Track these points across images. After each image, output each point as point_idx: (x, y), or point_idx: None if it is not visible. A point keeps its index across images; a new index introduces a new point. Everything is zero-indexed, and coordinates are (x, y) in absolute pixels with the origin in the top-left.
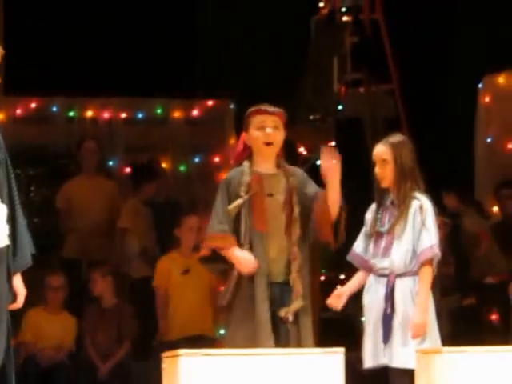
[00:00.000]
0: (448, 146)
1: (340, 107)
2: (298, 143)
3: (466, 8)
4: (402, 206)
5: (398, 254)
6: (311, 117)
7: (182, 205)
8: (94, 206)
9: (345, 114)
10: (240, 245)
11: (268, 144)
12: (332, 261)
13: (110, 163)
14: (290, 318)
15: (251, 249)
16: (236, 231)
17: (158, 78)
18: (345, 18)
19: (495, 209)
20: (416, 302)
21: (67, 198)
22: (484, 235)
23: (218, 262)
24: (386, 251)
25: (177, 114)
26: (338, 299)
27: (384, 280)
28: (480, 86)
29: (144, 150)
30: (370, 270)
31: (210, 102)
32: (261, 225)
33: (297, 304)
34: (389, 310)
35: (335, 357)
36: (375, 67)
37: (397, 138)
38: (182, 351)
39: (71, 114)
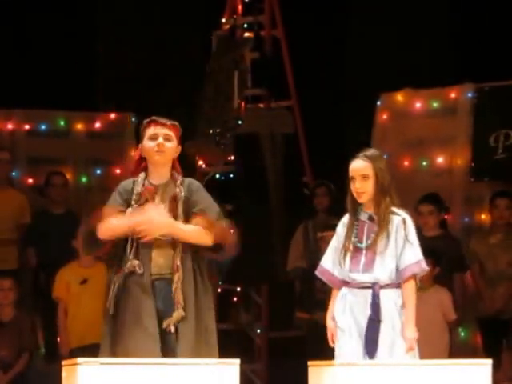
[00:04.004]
0: (345, 161)
1: (239, 122)
2: (197, 157)
3: (364, 25)
4: (382, 222)
5: (383, 270)
6: (211, 131)
7: (82, 216)
8: (4, 216)
9: (244, 129)
10: (125, 252)
11: (159, 152)
12: (229, 273)
13: (13, 174)
14: (172, 329)
15: (137, 257)
16: (125, 239)
17: (61, 91)
18: (246, 34)
19: None
20: (405, 316)
21: None
22: None
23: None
24: (368, 267)
25: (79, 127)
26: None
27: (364, 291)
28: (378, 103)
29: (46, 161)
30: (338, 285)
31: (112, 115)
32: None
33: (177, 314)
34: (375, 319)
35: (231, 368)
36: (275, 83)
37: (374, 152)
38: (80, 360)
39: None
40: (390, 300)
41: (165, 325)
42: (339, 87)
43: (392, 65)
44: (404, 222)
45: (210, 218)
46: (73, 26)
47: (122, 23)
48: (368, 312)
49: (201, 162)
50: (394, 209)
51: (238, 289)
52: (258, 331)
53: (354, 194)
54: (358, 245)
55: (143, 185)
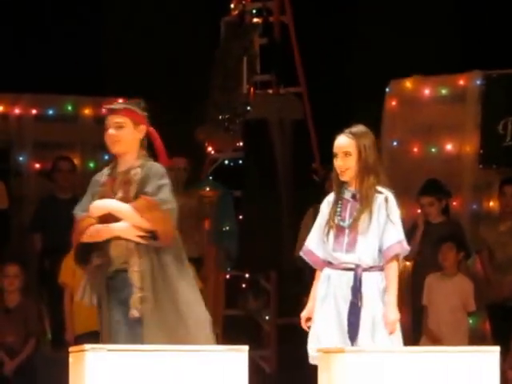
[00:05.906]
0: None
1: (248, 108)
2: (206, 143)
3: (373, 12)
4: (365, 200)
5: (366, 250)
6: (220, 117)
7: None
8: None
9: (253, 115)
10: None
11: (112, 143)
12: (237, 260)
13: (20, 159)
14: (136, 314)
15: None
16: None
17: (68, 75)
18: (255, 20)
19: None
20: (387, 298)
21: None
22: None
23: None
24: (351, 246)
25: (87, 112)
26: (307, 322)
27: (347, 274)
28: (387, 90)
29: (54, 146)
30: (321, 266)
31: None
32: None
33: (135, 297)
34: (358, 303)
35: (239, 354)
36: (283, 69)
37: (360, 129)
38: (87, 346)
39: None
40: (372, 283)
41: (130, 314)
42: (347, 74)
43: (399, 52)
44: (386, 200)
45: (149, 201)
46: (80, 11)
47: (129, 8)
48: (350, 296)
49: (210, 148)
50: (379, 188)
51: (247, 275)
52: (267, 318)
53: (338, 171)
54: (341, 223)
55: (108, 174)
